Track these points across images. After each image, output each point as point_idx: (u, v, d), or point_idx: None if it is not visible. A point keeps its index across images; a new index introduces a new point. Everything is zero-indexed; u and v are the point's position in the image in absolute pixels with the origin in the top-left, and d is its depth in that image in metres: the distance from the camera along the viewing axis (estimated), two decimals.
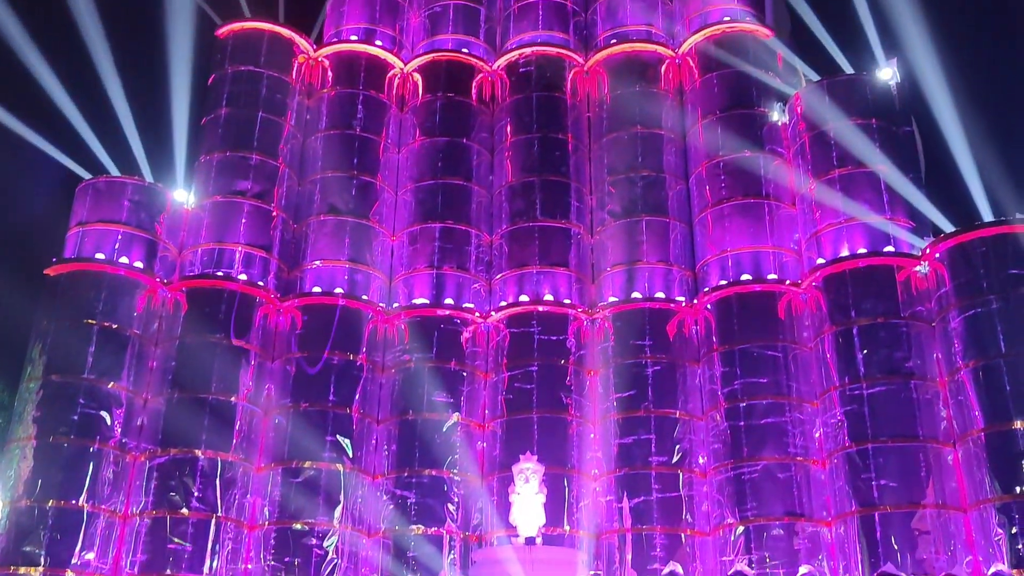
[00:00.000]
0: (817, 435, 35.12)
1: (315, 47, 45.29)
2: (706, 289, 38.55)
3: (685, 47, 44.21)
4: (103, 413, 35.44)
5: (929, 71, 38.59)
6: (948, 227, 35.85)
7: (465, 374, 38.49)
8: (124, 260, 38.34)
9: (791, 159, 40.40)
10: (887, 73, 39.78)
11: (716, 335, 37.23)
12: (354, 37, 45.81)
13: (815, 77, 41.48)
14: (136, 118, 42.30)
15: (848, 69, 40.83)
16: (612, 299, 39.49)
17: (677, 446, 36.07)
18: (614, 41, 45.33)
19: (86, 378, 35.60)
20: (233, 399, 36.56)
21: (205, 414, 35.92)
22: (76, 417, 34.96)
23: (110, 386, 35.85)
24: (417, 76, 45.18)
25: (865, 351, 34.43)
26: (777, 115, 41.25)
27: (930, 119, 38.18)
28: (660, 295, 39.06)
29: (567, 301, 39.44)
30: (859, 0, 41.07)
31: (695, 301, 38.69)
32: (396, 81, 45.28)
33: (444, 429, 37.28)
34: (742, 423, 35.34)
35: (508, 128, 43.83)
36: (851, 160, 37.90)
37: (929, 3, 39.58)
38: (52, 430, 34.69)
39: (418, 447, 36.91)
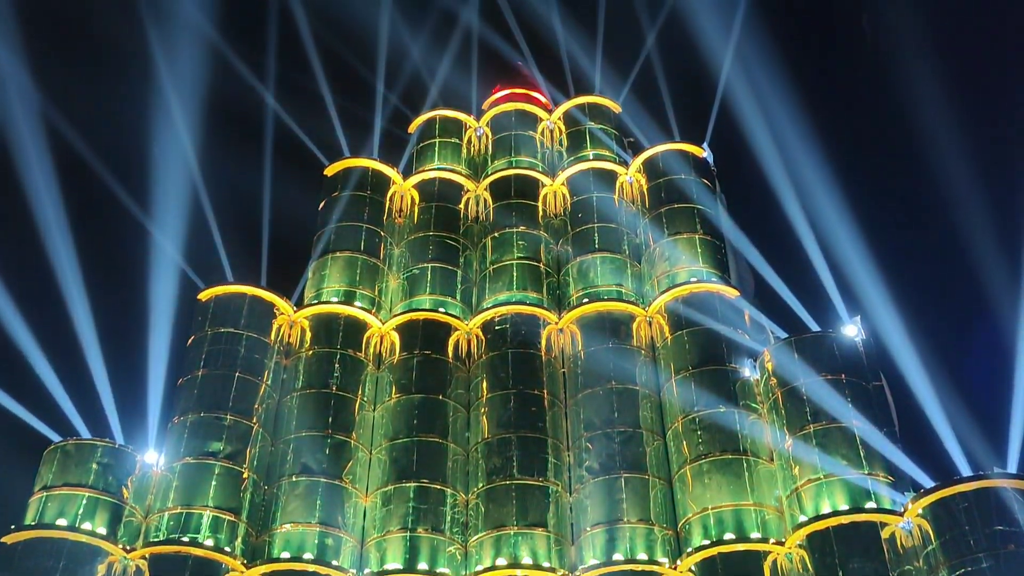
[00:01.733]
0: None
1: (295, 308, 46.28)
2: (689, 550, 37.47)
3: (655, 306, 45.61)
4: None
5: (892, 328, 39.90)
6: (927, 482, 35.63)
7: None
8: (87, 526, 37.04)
9: (766, 414, 40.65)
10: (852, 330, 41.00)
11: None
12: (334, 298, 46.99)
13: (782, 334, 42.63)
14: (112, 378, 42.41)
15: (813, 326, 42.07)
16: (593, 562, 38.20)
17: None
18: (586, 300, 46.75)
19: None
20: None
21: None
22: None
23: None
24: (395, 335, 46.00)
25: None
26: (748, 371, 41.95)
27: (898, 374, 39.01)
28: (642, 556, 37.85)
29: (546, 565, 38.09)
30: (819, 261, 43.12)
31: (678, 563, 37.49)
32: (374, 340, 46.01)
33: None
34: None
35: (484, 384, 44.15)
36: (825, 415, 38.22)
37: (886, 263, 41.58)
38: None
39: None
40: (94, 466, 38.83)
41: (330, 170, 53.22)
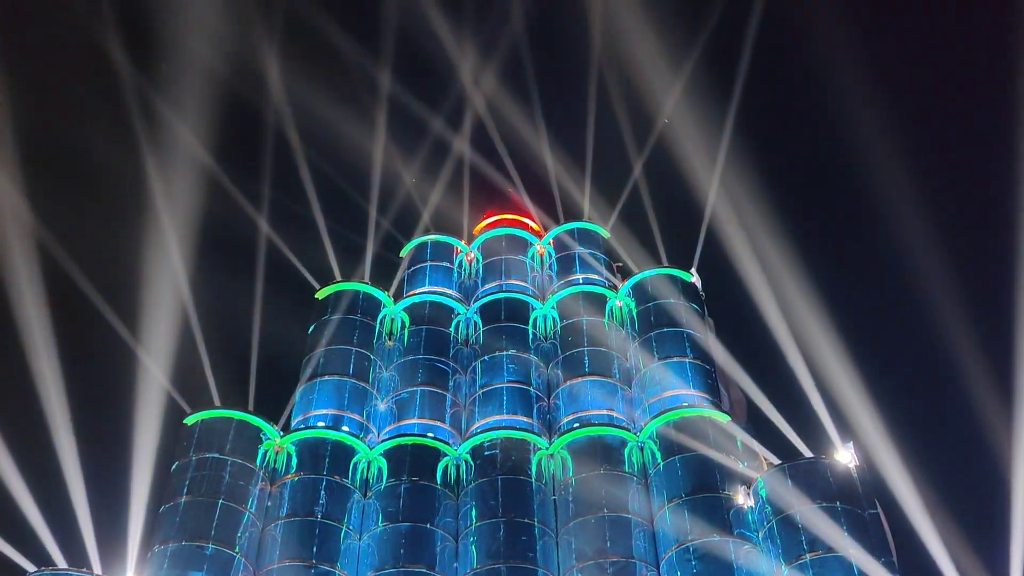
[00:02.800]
0: None
1: (282, 433, 45.70)
2: None
3: (646, 431, 45.23)
4: None
5: (886, 454, 39.63)
6: None
7: None
8: None
9: (760, 543, 39.83)
10: (845, 456, 40.64)
11: None
12: (321, 423, 46.51)
13: (775, 460, 42.19)
14: (92, 503, 41.42)
15: (806, 452, 41.69)
16: None
17: None
18: (577, 425, 46.37)
19: None
20: None
21: None
22: None
23: None
24: (382, 460, 45.32)
25: None
26: (742, 498, 41.32)
27: (893, 501, 38.53)
28: None
29: None
30: (810, 386, 43.09)
31: None
32: (361, 466, 45.31)
33: None
34: None
35: (473, 512, 43.27)
36: (821, 544, 37.54)
37: (878, 389, 41.60)
38: None
39: None
40: None
41: (321, 293, 53.50)
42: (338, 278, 54.15)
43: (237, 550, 40.65)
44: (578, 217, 59.59)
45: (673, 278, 52.15)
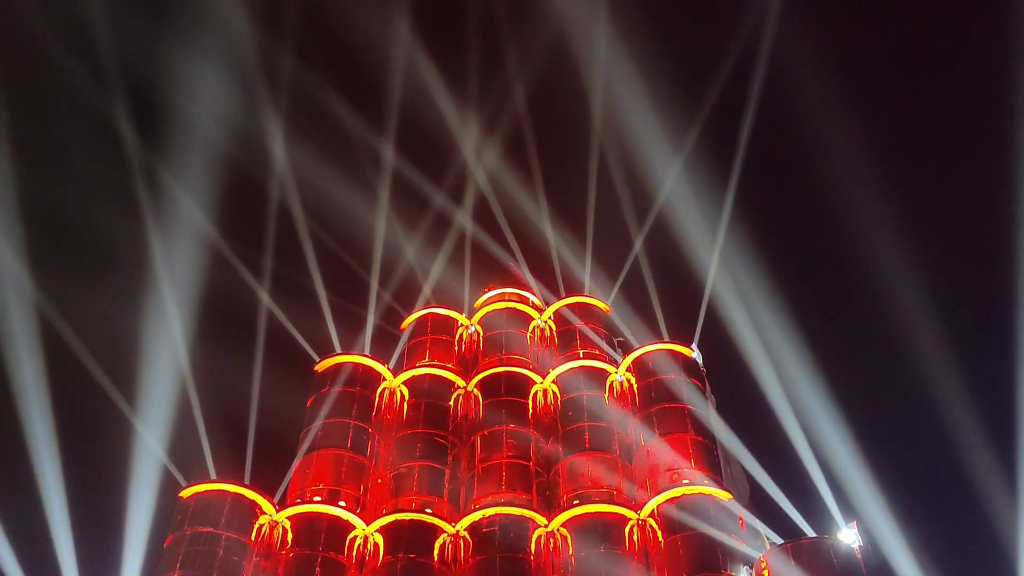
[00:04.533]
0: None
1: (278, 507, 45.09)
2: None
3: (647, 509, 44.64)
4: None
5: (889, 534, 39.12)
6: None
7: None
8: None
9: None
10: (849, 535, 40.08)
11: None
12: (317, 498, 45.86)
13: (778, 539, 41.61)
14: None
15: (809, 531, 41.15)
16: None
17: None
18: (577, 501, 45.76)
19: None
20: None
21: None
22: None
23: None
24: (379, 536, 44.61)
25: None
26: None
27: None
28: None
29: None
30: (812, 464, 42.73)
31: None
32: (357, 542, 44.58)
33: None
34: None
35: None
36: None
37: (881, 468, 41.24)
38: None
39: None
40: None
41: (320, 366, 53.29)
42: (338, 350, 54.04)
43: None
44: (579, 291, 59.76)
45: (674, 353, 52.07)
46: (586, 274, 60.18)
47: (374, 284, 58.38)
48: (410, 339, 57.08)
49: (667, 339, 53.27)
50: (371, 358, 53.71)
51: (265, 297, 56.99)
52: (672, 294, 58.53)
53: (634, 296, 58.10)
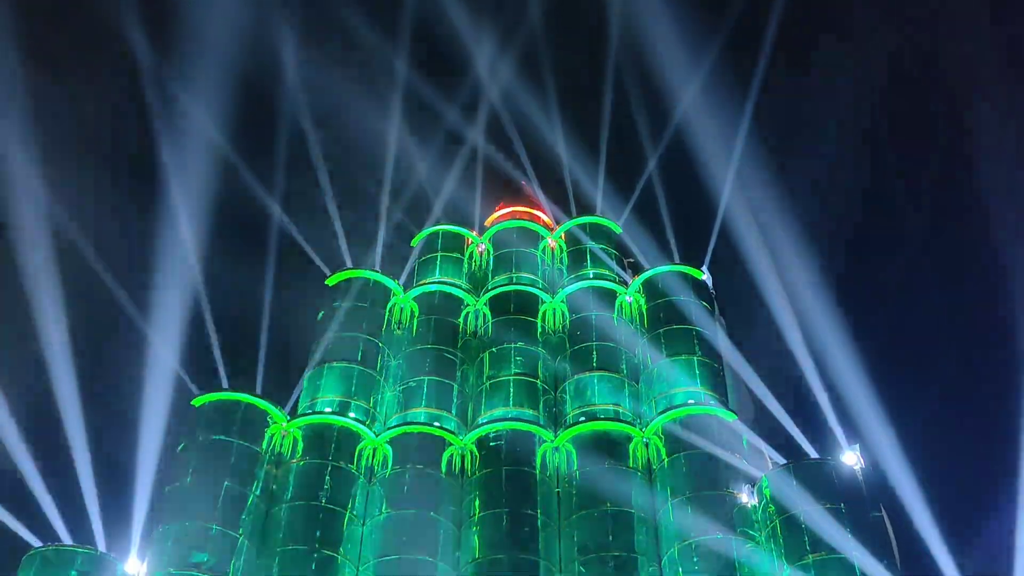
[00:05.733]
0: None
1: (289, 417, 45.81)
2: None
3: (652, 427, 45.17)
4: None
5: (891, 457, 39.51)
6: None
7: None
8: None
9: (763, 542, 39.77)
10: (851, 458, 40.53)
11: None
12: (328, 409, 46.55)
13: (781, 460, 42.10)
14: (99, 482, 41.67)
15: (812, 453, 41.58)
16: None
17: None
18: (583, 419, 46.32)
19: None
20: None
21: None
22: None
23: None
24: (388, 448, 45.39)
25: None
26: (746, 496, 41.27)
27: (898, 504, 38.43)
28: None
29: None
30: (818, 387, 42.97)
31: None
32: (367, 452, 45.38)
33: None
34: None
35: (477, 502, 43.31)
36: (824, 545, 37.46)
37: (886, 392, 41.46)
38: None
39: None
40: (73, 574, 37.75)
41: (331, 280, 53.57)
42: (349, 265, 54.24)
43: (240, 532, 40.80)
44: (591, 211, 59.49)
45: (684, 275, 52.05)
46: (598, 194, 59.89)
47: (385, 199, 58.28)
48: (420, 255, 57.20)
49: (678, 261, 53.21)
50: (382, 273, 53.93)
51: (277, 210, 57.03)
52: (685, 216, 58.28)
53: (646, 217, 57.92)
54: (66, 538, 39.68)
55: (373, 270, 53.94)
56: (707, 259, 53.23)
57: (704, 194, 56.06)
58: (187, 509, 40.81)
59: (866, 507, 38.90)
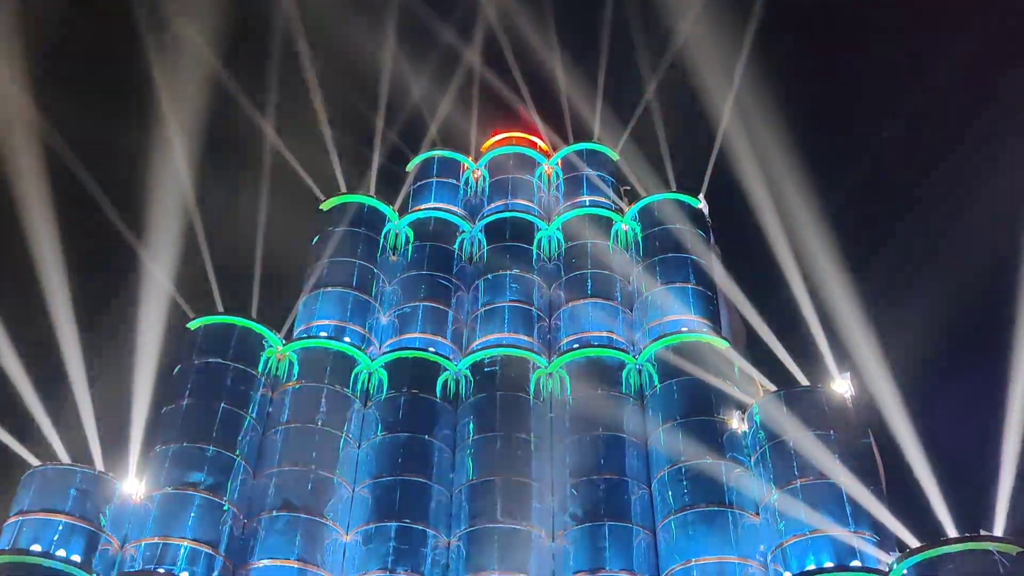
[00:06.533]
0: None
1: (284, 341, 46.00)
2: None
3: (645, 354, 45.51)
4: None
5: (882, 386, 39.79)
6: (913, 541, 35.35)
7: None
8: (62, 553, 36.40)
9: (752, 467, 40.40)
10: (842, 386, 40.92)
11: None
12: (324, 333, 46.76)
13: (772, 387, 42.51)
14: (95, 403, 41.84)
15: (803, 380, 41.96)
16: None
17: None
18: (576, 345, 46.64)
19: None
20: None
21: None
22: None
23: None
24: (383, 372, 45.73)
25: None
26: (736, 423, 41.79)
27: (886, 432, 38.85)
28: None
29: None
30: (811, 316, 43.10)
31: None
32: (362, 376, 45.71)
33: None
34: None
35: (471, 426, 43.83)
36: (812, 471, 38.01)
37: (879, 321, 41.65)
38: None
39: None
40: (72, 492, 38.27)
41: (326, 204, 53.30)
42: (343, 189, 53.93)
43: (237, 453, 41.31)
44: (588, 138, 59.01)
45: (680, 203, 51.88)
46: (596, 120, 59.29)
47: (380, 123, 57.63)
48: (415, 180, 56.88)
49: (674, 189, 52.99)
50: (377, 198, 53.67)
51: (270, 132, 56.43)
52: (682, 144, 57.78)
53: (643, 144, 57.38)
54: (63, 457, 40.07)
55: (368, 195, 53.66)
56: (704, 187, 53.00)
57: (703, 122, 55.51)
58: (184, 430, 41.23)
59: (855, 433, 39.39)
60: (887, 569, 34.95)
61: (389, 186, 55.84)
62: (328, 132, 55.61)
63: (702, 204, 52.38)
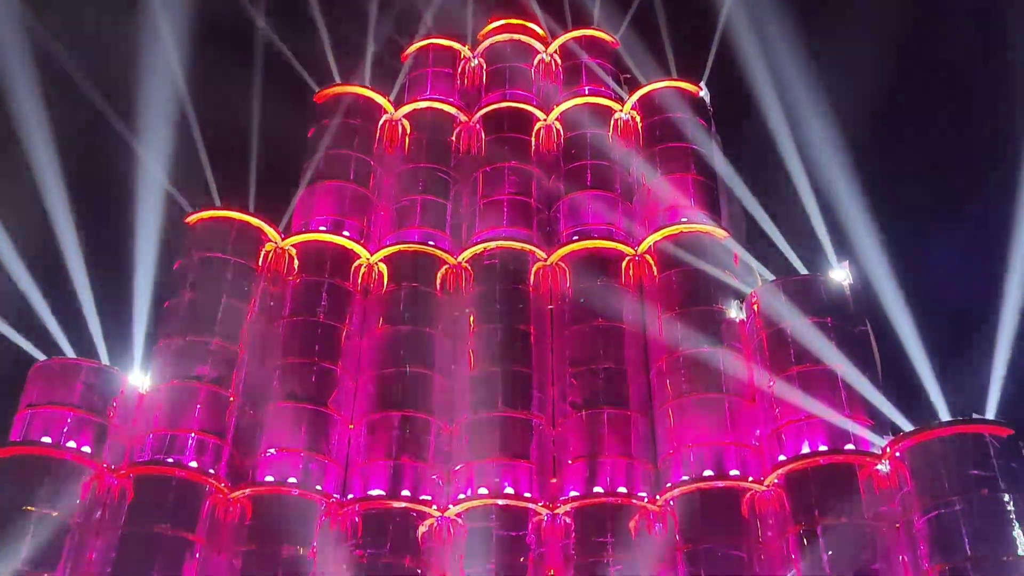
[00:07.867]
0: None
1: (283, 236, 45.90)
2: (668, 485, 37.96)
3: (645, 245, 45.49)
4: None
5: (881, 273, 39.95)
6: (907, 425, 36.06)
7: (420, 571, 36.96)
8: (72, 444, 37.22)
9: (750, 355, 40.85)
10: (840, 274, 41.04)
11: (680, 534, 36.48)
12: (322, 228, 46.61)
13: (771, 276, 42.68)
14: (97, 299, 42.11)
15: (802, 269, 42.09)
16: (573, 493, 38.67)
17: None
18: (576, 238, 46.55)
19: (20, 570, 33.73)
20: None
21: None
22: None
23: None
24: (383, 266, 45.80)
25: (830, 552, 33.82)
26: (735, 312, 42.07)
27: (884, 320, 39.16)
28: (622, 490, 38.34)
29: (527, 495, 38.52)
30: (811, 204, 42.97)
31: (658, 497, 38.00)
32: (362, 270, 45.80)
33: None
34: None
35: (472, 318, 44.15)
36: (809, 358, 38.45)
37: (879, 210, 41.51)
38: None
39: None
40: (79, 386, 38.87)
41: (320, 96, 52.38)
42: (337, 81, 52.92)
43: (241, 346, 41.75)
44: (588, 24, 57.52)
45: (681, 91, 50.99)
46: (595, 6, 57.71)
47: (374, 11, 56.10)
48: (411, 71, 55.73)
49: (675, 77, 52.01)
50: (372, 89, 52.74)
51: (261, 21, 55.08)
52: (683, 31, 56.41)
53: (644, 32, 55.99)
54: (69, 353, 40.55)
55: (363, 86, 52.70)
56: (705, 75, 52.01)
57: (705, 7, 54.09)
58: (187, 324, 41.58)
59: (852, 321, 39.70)
60: (880, 452, 35.72)
61: (385, 77, 54.68)
62: (321, 21, 54.23)
63: (703, 92, 51.51)
